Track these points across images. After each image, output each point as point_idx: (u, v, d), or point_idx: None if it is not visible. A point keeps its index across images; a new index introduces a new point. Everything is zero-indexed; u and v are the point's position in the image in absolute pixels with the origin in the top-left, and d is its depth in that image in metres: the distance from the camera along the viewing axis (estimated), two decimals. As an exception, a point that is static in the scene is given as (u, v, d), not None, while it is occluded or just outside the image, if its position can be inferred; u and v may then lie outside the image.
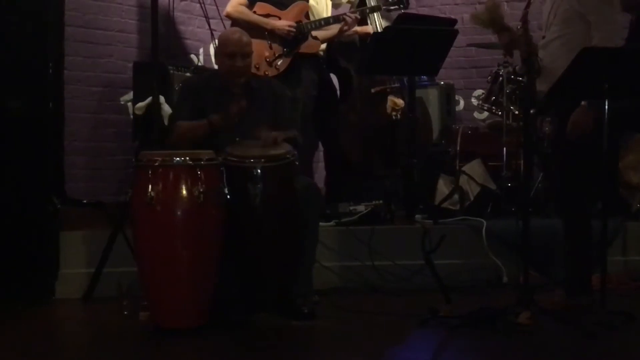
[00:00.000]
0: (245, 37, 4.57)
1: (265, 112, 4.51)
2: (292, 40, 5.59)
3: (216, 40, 4.87)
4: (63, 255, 4.92)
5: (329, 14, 6.02)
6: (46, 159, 4.95)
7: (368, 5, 5.98)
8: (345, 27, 5.75)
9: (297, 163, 4.27)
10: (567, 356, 3.76)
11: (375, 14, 6.01)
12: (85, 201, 5.64)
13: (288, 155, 4.22)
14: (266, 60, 5.54)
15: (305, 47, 5.66)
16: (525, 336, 3.92)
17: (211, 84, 4.58)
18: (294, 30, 5.57)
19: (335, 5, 6.20)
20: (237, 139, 4.39)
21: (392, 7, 5.84)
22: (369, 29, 6.00)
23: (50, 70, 5.01)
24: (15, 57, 4.78)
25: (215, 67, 4.88)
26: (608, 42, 4.17)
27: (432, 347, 3.84)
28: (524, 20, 4.38)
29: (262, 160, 4.15)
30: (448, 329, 4.01)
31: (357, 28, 5.91)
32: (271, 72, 5.51)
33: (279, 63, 5.55)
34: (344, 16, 5.76)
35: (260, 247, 4.17)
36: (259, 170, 4.13)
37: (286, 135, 4.40)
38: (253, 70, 5.39)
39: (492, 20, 4.47)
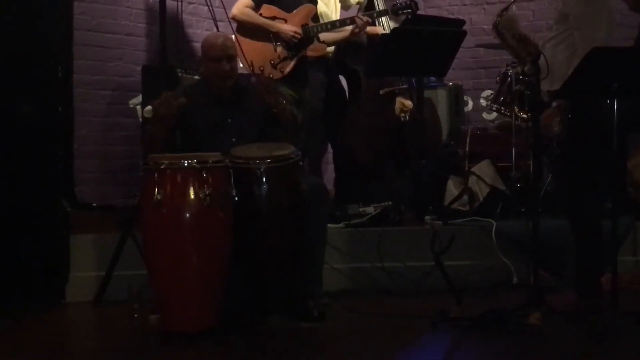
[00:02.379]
0: (229, 41, 4.59)
1: (256, 110, 4.50)
2: (297, 43, 5.58)
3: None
4: (73, 259, 4.93)
5: (338, 17, 6.02)
6: (56, 162, 4.96)
7: (376, 7, 5.97)
8: (357, 30, 5.73)
9: (301, 163, 4.28)
10: (578, 357, 3.74)
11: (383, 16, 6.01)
12: (95, 205, 5.67)
13: (292, 156, 4.23)
14: (270, 63, 5.53)
15: (311, 50, 5.66)
16: (536, 337, 3.92)
17: (199, 92, 4.57)
18: (299, 35, 5.56)
19: (345, 7, 6.19)
20: (233, 139, 4.39)
21: (400, 12, 5.82)
22: (378, 29, 5.99)
23: (60, 74, 5.03)
24: (25, 61, 4.79)
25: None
26: (588, 41, 4.19)
27: (442, 348, 3.84)
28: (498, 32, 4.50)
29: (267, 161, 4.16)
30: (458, 330, 4.00)
31: (367, 28, 5.89)
32: (275, 75, 5.50)
33: (283, 66, 5.55)
34: (356, 18, 5.74)
35: (268, 248, 4.17)
36: (263, 171, 4.14)
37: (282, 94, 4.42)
38: (258, 72, 5.41)
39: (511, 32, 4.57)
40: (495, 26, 4.70)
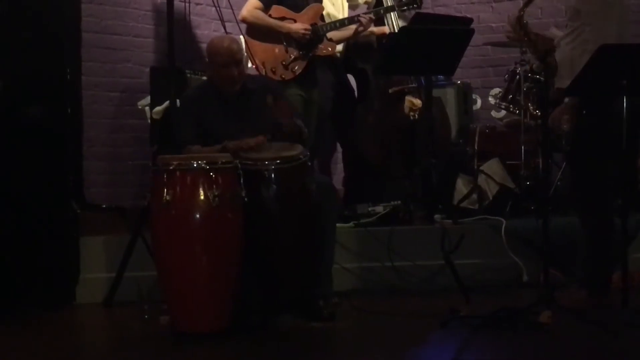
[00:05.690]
0: (235, 45, 4.51)
1: (265, 112, 4.48)
2: (307, 43, 5.58)
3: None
4: (83, 260, 4.94)
5: (346, 16, 6.02)
6: (65, 164, 4.98)
7: (385, 5, 5.97)
8: (361, 28, 5.74)
9: (310, 163, 4.27)
10: (589, 355, 3.74)
11: (391, 14, 6.00)
12: (104, 206, 5.67)
13: (301, 156, 4.22)
14: (282, 64, 5.53)
15: (321, 49, 5.66)
16: (547, 335, 3.91)
17: (207, 95, 4.54)
18: (309, 33, 5.56)
19: (352, 7, 6.19)
20: None
21: (405, 8, 5.82)
22: (385, 29, 5.99)
23: (68, 77, 5.04)
24: (33, 64, 4.80)
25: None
26: (599, 36, 4.18)
27: (453, 347, 3.82)
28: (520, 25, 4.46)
29: (276, 161, 4.16)
30: (469, 329, 3.99)
31: (374, 29, 5.89)
32: (287, 76, 5.51)
33: (295, 66, 5.55)
34: (359, 17, 5.75)
35: (278, 248, 4.17)
36: (272, 172, 4.13)
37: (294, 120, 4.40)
38: (269, 73, 5.42)
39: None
40: (519, 20, 4.63)
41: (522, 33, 4.63)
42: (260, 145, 4.30)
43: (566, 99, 4.33)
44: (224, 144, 4.30)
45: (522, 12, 4.54)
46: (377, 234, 5.14)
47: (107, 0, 6.13)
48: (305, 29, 5.55)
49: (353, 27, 5.76)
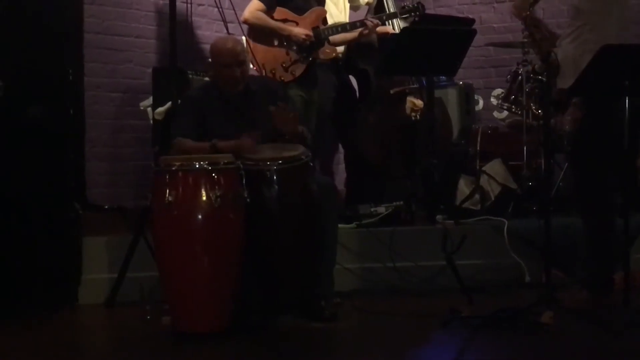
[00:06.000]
0: (239, 45, 4.53)
1: (266, 112, 4.47)
2: (308, 46, 5.59)
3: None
4: (85, 261, 4.94)
5: (347, 17, 6.02)
6: (67, 165, 4.98)
7: (386, 8, 5.97)
8: (366, 32, 5.74)
9: (311, 164, 4.27)
10: (590, 355, 3.74)
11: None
12: (106, 206, 5.68)
13: (303, 156, 4.22)
14: (282, 66, 5.53)
15: (321, 53, 5.66)
16: (548, 335, 3.90)
17: (209, 95, 4.54)
18: (311, 38, 5.56)
19: (353, 8, 6.19)
20: None
21: (407, 15, 5.83)
22: (388, 28, 5.99)
23: (70, 77, 5.04)
24: (35, 64, 4.80)
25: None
26: (599, 36, 4.18)
27: (454, 347, 3.82)
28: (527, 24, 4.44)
29: (278, 162, 4.16)
30: (470, 329, 3.99)
31: (377, 28, 5.89)
32: (286, 78, 5.51)
33: (295, 69, 5.55)
34: (366, 21, 5.75)
35: (279, 249, 4.17)
36: (274, 172, 4.13)
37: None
38: (269, 75, 5.43)
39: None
40: (525, 20, 4.63)
41: (526, 34, 4.63)
42: (259, 146, 4.30)
43: (574, 100, 4.33)
44: (213, 142, 4.30)
45: (527, 12, 4.54)
46: (378, 234, 5.14)
47: (109, 1, 6.15)
48: (306, 35, 5.55)
49: (357, 30, 5.76)
